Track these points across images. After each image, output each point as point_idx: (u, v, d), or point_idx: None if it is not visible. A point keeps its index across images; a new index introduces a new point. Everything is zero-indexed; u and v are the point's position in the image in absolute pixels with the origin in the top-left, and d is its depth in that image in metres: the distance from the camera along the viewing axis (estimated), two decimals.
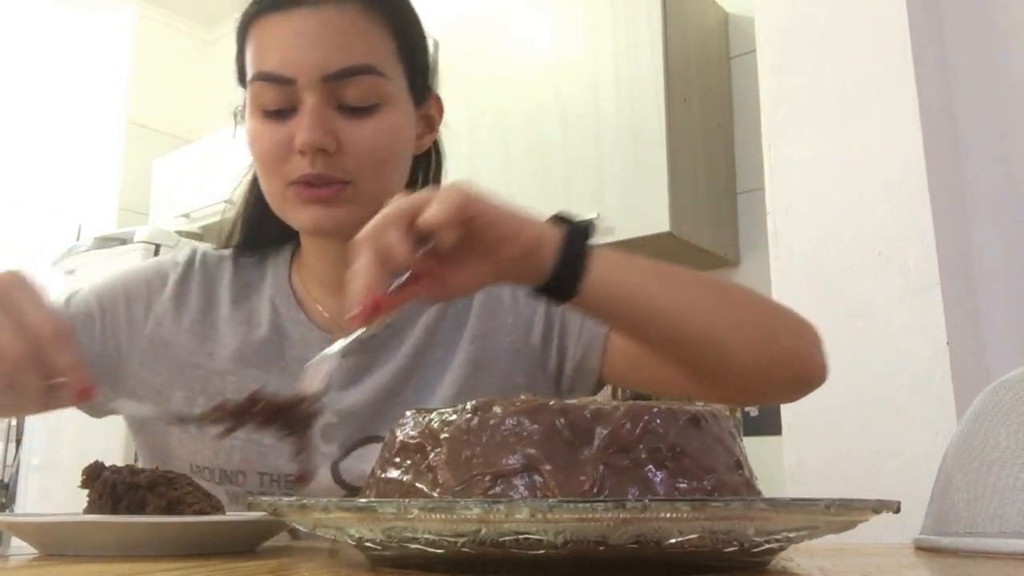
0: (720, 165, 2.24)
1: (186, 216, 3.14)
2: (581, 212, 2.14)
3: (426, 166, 0.96)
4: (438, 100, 0.94)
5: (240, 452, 0.82)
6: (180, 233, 2.89)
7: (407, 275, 0.61)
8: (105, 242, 2.85)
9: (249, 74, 0.82)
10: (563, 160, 2.18)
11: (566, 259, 0.64)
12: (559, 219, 0.66)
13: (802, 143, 1.66)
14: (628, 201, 2.04)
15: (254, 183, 0.93)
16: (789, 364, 0.74)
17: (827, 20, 1.67)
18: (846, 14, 1.65)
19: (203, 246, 0.98)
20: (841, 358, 1.54)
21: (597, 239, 0.67)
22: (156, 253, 2.71)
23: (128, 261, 2.69)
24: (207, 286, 0.92)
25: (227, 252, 0.96)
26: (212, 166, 2.99)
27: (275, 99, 0.80)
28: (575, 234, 0.65)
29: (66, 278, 2.81)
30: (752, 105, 2.00)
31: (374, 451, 0.81)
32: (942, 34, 1.76)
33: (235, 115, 0.90)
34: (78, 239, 3.12)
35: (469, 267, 0.63)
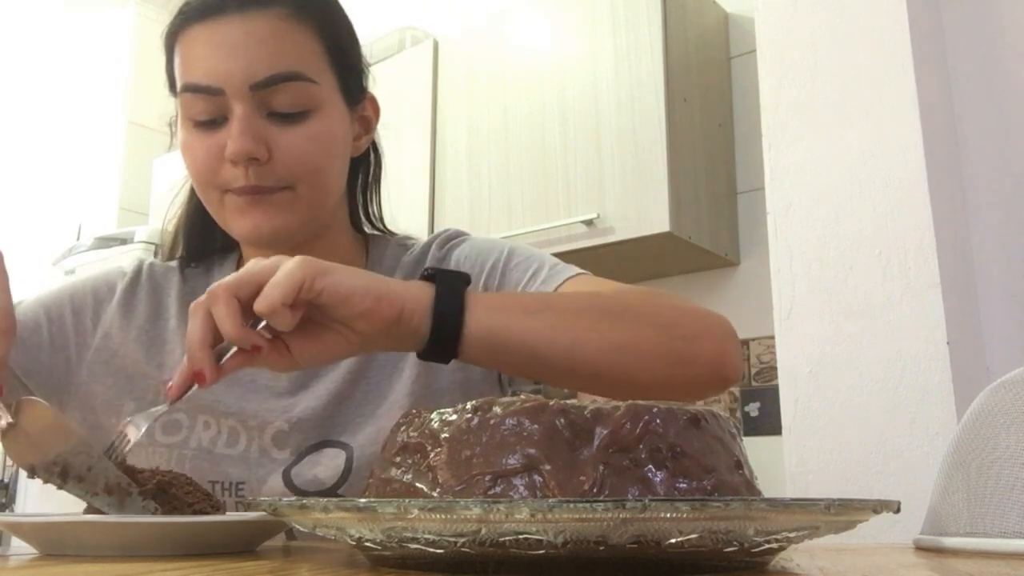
0: (720, 165, 2.24)
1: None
2: (581, 212, 2.15)
3: (366, 167, 0.96)
4: (374, 101, 0.93)
5: (191, 461, 0.82)
6: None
7: (232, 350, 0.61)
8: (105, 242, 2.85)
9: (179, 85, 0.81)
10: (563, 160, 2.17)
11: (438, 322, 0.63)
12: (429, 276, 0.66)
13: (802, 143, 1.66)
14: (628, 201, 2.04)
15: (192, 194, 0.93)
16: (695, 371, 0.71)
17: (827, 20, 1.67)
18: (846, 14, 1.65)
19: (150, 258, 0.98)
20: (841, 358, 1.56)
21: (473, 287, 0.67)
22: (156, 253, 2.71)
23: (128, 261, 2.69)
24: (155, 296, 0.92)
25: (173, 263, 0.96)
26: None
27: (204, 109, 0.79)
28: (445, 293, 0.64)
29: (66, 278, 2.81)
30: (752, 105, 2.00)
31: (327, 455, 0.83)
32: (942, 34, 1.76)
33: (170, 126, 0.90)
34: (78, 239, 3.12)
35: (323, 339, 0.63)
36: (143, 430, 0.61)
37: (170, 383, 0.61)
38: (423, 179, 2.43)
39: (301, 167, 0.80)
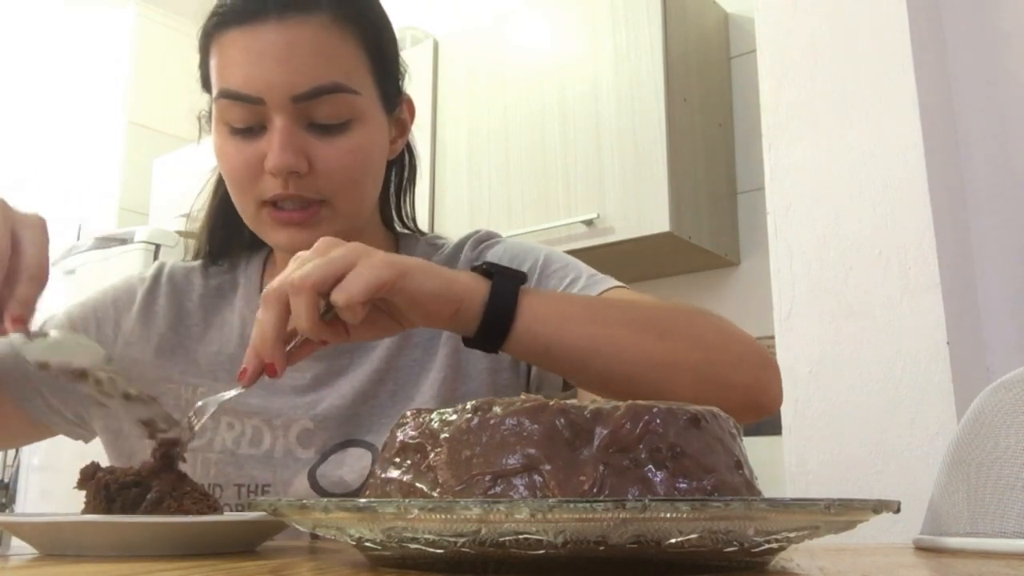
0: (720, 165, 2.24)
1: (186, 216, 3.13)
2: (581, 212, 2.15)
3: (400, 168, 0.95)
4: (410, 102, 0.91)
5: (216, 465, 0.82)
6: (180, 233, 2.88)
7: (300, 339, 0.63)
8: (105, 242, 2.85)
9: (215, 89, 0.79)
10: (563, 160, 2.17)
11: (490, 320, 0.65)
12: (486, 271, 0.66)
13: (802, 143, 1.66)
14: (628, 201, 2.04)
15: (217, 192, 0.92)
16: (731, 396, 0.70)
17: (827, 20, 1.67)
18: (846, 14, 1.65)
19: (171, 260, 0.96)
20: (841, 358, 1.55)
21: (514, 281, 0.68)
22: (156, 253, 2.71)
23: (128, 261, 2.69)
24: (175, 300, 0.91)
25: (195, 263, 0.94)
26: (212, 166, 2.98)
27: (242, 117, 0.77)
28: (500, 293, 0.65)
29: (66, 278, 2.81)
30: (752, 105, 2.00)
31: (352, 455, 0.82)
32: (942, 34, 1.76)
33: (199, 120, 0.88)
34: (78, 239, 3.12)
35: (378, 322, 0.65)
36: (208, 414, 0.63)
37: (243, 367, 0.61)
38: (423, 179, 2.42)
39: (340, 180, 0.79)
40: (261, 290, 0.89)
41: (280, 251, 0.88)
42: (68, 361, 0.62)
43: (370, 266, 0.60)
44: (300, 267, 0.60)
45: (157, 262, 0.96)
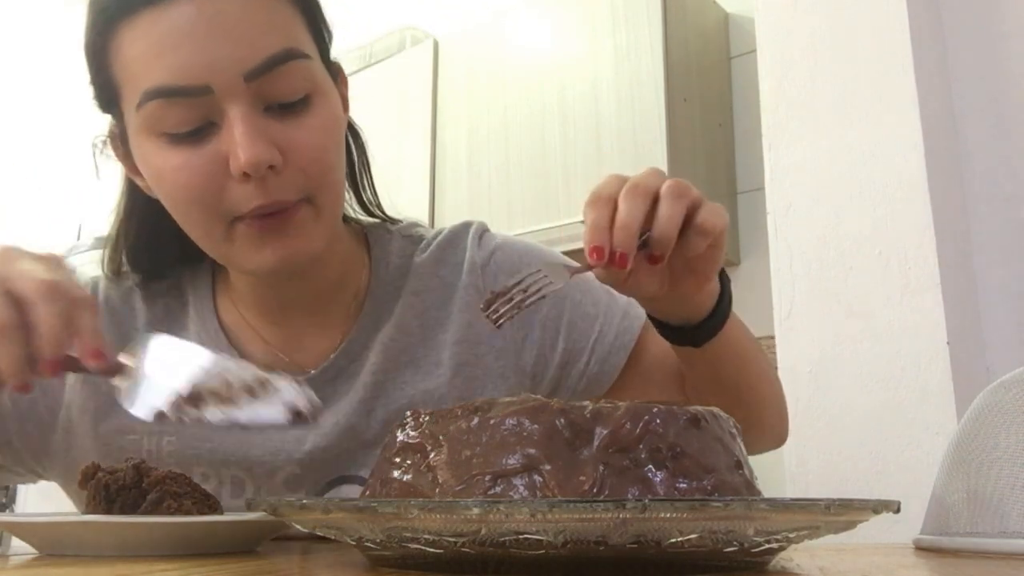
0: (720, 165, 2.23)
1: None
2: (581, 212, 2.14)
3: (347, 152, 0.80)
4: (342, 71, 0.76)
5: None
6: None
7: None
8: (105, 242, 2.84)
9: (136, 95, 0.63)
10: (563, 160, 2.17)
11: (717, 316, 0.67)
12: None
13: (802, 143, 1.66)
14: None
15: (129, 208, 0.77)
16: (765, 437, 0.82)
17: (827, 20, 1.67)
18: (846, 14, 1.65)
19: (99, 277, 0.80)
20: (841, 358, 1.55)
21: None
22: None
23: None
24: (118, 331, 0.76)
25: (128, 283, 0.79)
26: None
27: (184, 118, 0.62)
28: (726, 298, 0.68)
29: None
30: (752, 105, 2.00)
31: (349, 492, 0.73)
32: (942, 34, 1.76)
33: (94, 148, 0.75)
34: (78, 239, 3.12)
35: (641, 275, 0.60)
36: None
37: (595, 246, 0.56)
38: (423, 179, 2.42)
39: (317, 168, 0.66)
40: (214, 310, 0.77)
41: (259, 275, 0.72)
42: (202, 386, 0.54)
43: (719, 209, 0.59)
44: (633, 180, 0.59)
45: (89, 279, 0.81)
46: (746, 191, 2.26)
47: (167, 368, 0.54)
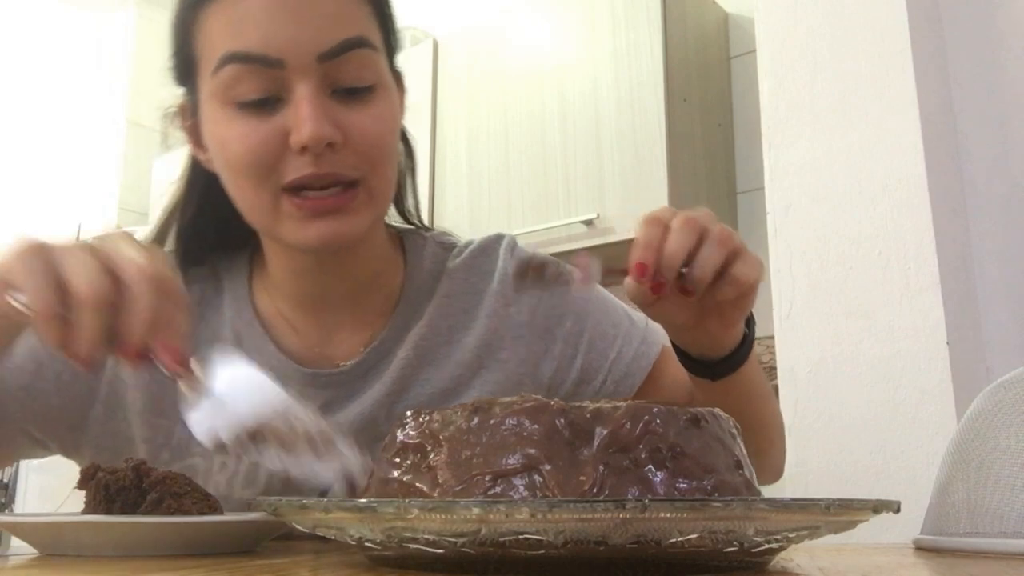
0: (720, 165, 2.24)
1: None
2: (581, 212, 2.15)
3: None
4: (401, 77, 0.79)
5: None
6: None
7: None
8: None
9: (214, 60, 0.67)
10: (563, 160, 2.18)
11: (740, 355, 0.68)
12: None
13: (802, 143, 1.66)
14: (628, 201, 2.04)
15: (192, 186, 0.81)
16: (776, 471, 0.84)
17: (827, 20, 1.67)
18: (846, 14, 1.65)
19: None
20: (841, 358, 1.55)
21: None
22: None
23: None
24: None
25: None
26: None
27: (256, 86, 0.66)
28: (749, 337, 0.69)
29: None
30: (752, 105, 2.00)
31: None
32: (942, 34, 1.76)
33: (165, 117, 0.77)
34: (78, 239, 3.11)
35: (670, 303, 0.64)
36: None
37: (639, 262, 0.59)
38: (423, 179, 2.41)
39: (377, 154, 0.69)
40: (251, 303, 0.79)
41: (303, 251, 0.73)
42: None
43: (757, 261, 0.62)
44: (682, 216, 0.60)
45: None
46: (746, 191, 2.26)
47: (236, 393, 0.53)
